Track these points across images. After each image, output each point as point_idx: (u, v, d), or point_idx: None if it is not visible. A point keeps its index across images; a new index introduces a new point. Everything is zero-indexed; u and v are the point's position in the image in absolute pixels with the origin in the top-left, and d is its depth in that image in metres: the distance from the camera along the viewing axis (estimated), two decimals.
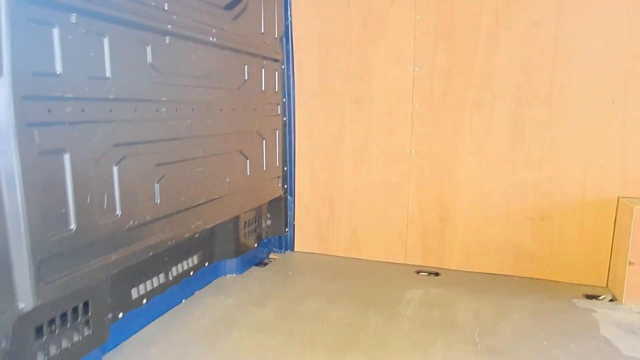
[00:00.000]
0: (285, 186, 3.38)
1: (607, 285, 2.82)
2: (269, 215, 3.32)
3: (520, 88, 2.83)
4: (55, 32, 1.49)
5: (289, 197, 3.43)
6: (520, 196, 2.93)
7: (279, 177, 3.26)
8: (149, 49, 1.91)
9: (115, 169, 1.75)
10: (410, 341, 2.13)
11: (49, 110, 1.46)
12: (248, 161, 2.78)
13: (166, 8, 1.98)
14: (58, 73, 1.50)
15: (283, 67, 3.19)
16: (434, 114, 3.02)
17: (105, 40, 1.69)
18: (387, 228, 3.24)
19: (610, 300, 2.63)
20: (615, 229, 2.77)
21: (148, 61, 1.91)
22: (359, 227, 3.31)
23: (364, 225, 3.29)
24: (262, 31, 2.88)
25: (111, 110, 1.72)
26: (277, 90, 3.13)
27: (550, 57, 2.75)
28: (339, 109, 3.21)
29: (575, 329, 2.26)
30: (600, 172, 2.77)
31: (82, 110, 1.59)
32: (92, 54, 1.64)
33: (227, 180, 2.53)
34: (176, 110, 2.09)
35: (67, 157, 1.53)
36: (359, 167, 3.24)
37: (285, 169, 3.36)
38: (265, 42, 2.92)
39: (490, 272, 3.03)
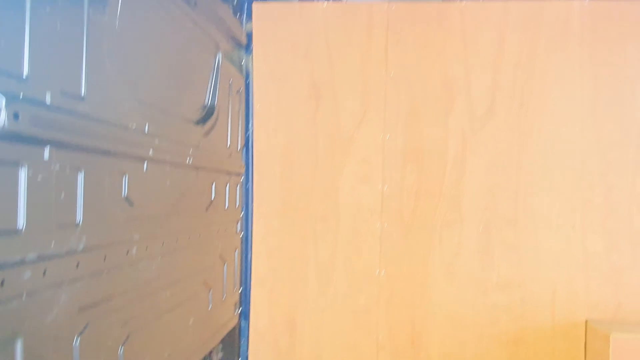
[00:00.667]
0: (239, 309, 2.99)
1: None
2: (220, 346, 2.87)
3: (488, 210, 2.87)
4: (22, 173, 1.13)
5: (242, 322, 3.02)
6: (493, 319, 2.85)
7: (235, 302, 2.88)
8: (125, 179, 1.58)
9: (76, 344, 1.32)
10: None
11: (1, 284, 1.05)
12: (211, 292, 2.40)
13: (147, 131, 1.69)
14: (19, 229, 1.12)
15: (242, 179, 2.96)
16: (403, 233, 2.93)
17: (80, 176, 1.34)
18: (355, 357, 2.94)
19: None
20: (587, 354, 2.76)
21: (123, 194, 1.57)
22: (323, 355, 2.97)
23: (329, 353, 2.97)
24: (228, 144, 2.66)
25: (78, 264, 1.33)
26: (237, 205, 2.86)
27: (514, 183, 2.84)
28: (302, 226, 2.99)
29: None
30: (568, 295, 2.80)
31: (44, 274, 1.19)
32: (63, 195, 1.28)
33: (191, 322, 2.12)
34: (147, 248, 1.72)
35: (19, 345, 1.10)
36: (324, 288, 2.98)
37: (240, 290, 2.99)
38: (230, 156, 2.69)
39: None
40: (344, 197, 2.98)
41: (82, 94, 1.33)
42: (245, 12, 2.99)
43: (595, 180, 2.78)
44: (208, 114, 2.32)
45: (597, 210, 2.79)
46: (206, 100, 2.32)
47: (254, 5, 3.00)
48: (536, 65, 2.79)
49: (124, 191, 1.58)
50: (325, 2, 2.95)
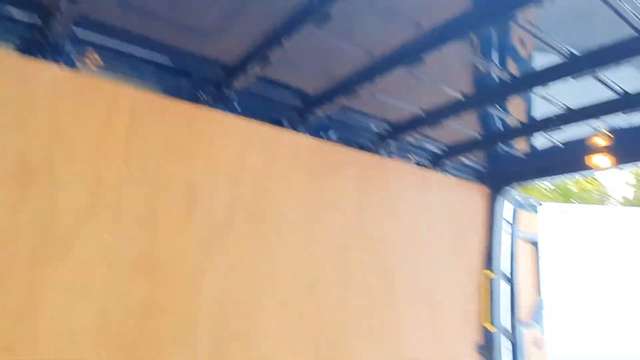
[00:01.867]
0: None
1: None
2: None
3: (220, 325, 2.71)
4: None
5: None
6: None
7: None
8: None
9: None
10: None
11: None
12: None
13: None
14: None
15: None
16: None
17: None
18: None
19: None
20: None
21: None
22: None
23: None
24: None
25: None
26: None
27: (246, 296, 2.83)
28: None
29: None
30: None
31: None
32: None
33: None
34: None
35: None
36: None
37: None
38: None
39: None
40: (47, 316, 2.20)
41: None
42: None
43: (306, 293, 3.10)
44: None
45: (307, 321, 3.08)
46: None
47: None
48: (271, 185, 3.03)
49: None
50: (57, 66, 2.38)
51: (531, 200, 4.73)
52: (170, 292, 2.55)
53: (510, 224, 4.28)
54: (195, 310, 2.62)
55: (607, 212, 8.06)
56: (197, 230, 2.69)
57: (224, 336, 2.71)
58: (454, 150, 3.94)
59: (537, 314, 4.43)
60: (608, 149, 3.39)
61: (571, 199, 12.20)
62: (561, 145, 3.64)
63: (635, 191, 13.83)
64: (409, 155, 3.95)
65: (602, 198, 13.47)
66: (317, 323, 3.12)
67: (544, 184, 12.91)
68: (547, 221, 4.87)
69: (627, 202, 12.89)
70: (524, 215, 4.40)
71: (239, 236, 2.84)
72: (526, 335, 4.10)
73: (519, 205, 4.37)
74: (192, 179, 2.72)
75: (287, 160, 3.15)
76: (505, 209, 4.25)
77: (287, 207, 3.09)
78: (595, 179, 13.90)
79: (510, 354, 4.04)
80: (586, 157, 3.48)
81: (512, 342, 4.05)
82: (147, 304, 2.47)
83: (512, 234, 4.26)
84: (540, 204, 4.77)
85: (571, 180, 13.38)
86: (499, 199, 4.17)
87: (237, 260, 2.83)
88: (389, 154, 3.81)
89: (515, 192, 4.34)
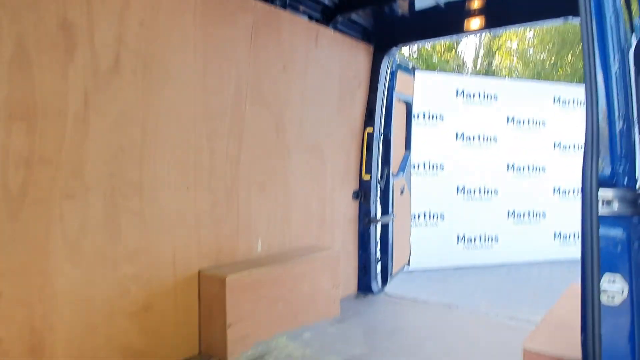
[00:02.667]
0: None
1: (199, 352, 3.09)
2: None
3: (114, 177, 2.63)
4: None
5: None
6: (123, 292, 2.69)
7: None
8: None
9: None
10: None
11: None
12: None
13: None
14: None
15: None
16: (11, 213, 2.22)
17: None
18: None
19: None
20: (200, 299, 3.10)
21: None
22: None
23: None
24: None
25: None
26: None
27: (139, 146, 2.74)
28: None
29: None
30: (185, 251, 3.02)
31: None
32: None
33: None
34: None
35: None
36: None
37: None
38: None
39: None
40: None
41: None
42: None
43: (203, 144, 3.10)
44: None
45: (204, 171, 3.13)
46: None
47: None
48: (160, 29, 2.76)
49: None
50: None
51: (409, 64, 5.06)
52: (53, 142, 2.35)
53: (390, 84, 4.59)
54: (83, 161, 2.48)
55: (462, 79, 9.07)
56: (78, 76, 2.42)
57: (119, 187, 2.65)
58: (344, 4, 3.92)
59: (403, 166, 5.05)
60: (483, 12, 3.69)
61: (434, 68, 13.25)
62: (442, 5, 3.84)
63: (482, 62, 15.46)
64: (301, 7, 3.85)
65: (458, 68, 14.88)
66: (214, 173, 3.19)
67: (411, 51, 13.73)
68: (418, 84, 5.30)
69: (478, 72, 14.49)
70: (401, 77, 4.73)
71: (127, 83, 2.63)
72: (394, 183, 4.70)
73: (398, 67, 4.65)
74: (68, 16, 2.35)
75: (177, 2, 2.86)
76: (387, 69, 4.51)
77: (180, 55, 2.90)
78: (454, 50, 15.16)
79: (380, 199, 4.65)
80: (465, 20, 3.76)
81: (381, 189, 4.63)
82: (27, 154, 2.26)
83: (391, 94, 4.60)
84: (416, 68, 5.15)
85: (437, 47, 14.44)
86: (384, 58, 4.38)
87: (127, 110, 2.66)
88: (283, 5, 3.66)
89: (396, 54, 4.58)
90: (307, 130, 3.90)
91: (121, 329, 2.66)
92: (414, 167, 8.11)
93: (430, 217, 8.54)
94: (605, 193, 1.41)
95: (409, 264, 5.23)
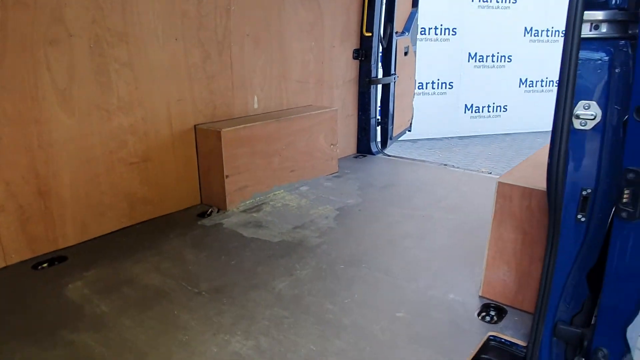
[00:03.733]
0: None
1: (201, 202, 3.28)
2: None
3: (97, 23, 2.54)
4: None
5: None
6: (121, 143, 2.77)
7: None
8: None
9: None
10: None
11: None
12: None
13: None
14: None
15: None
16: None
17: None
18: None
19: (218, 211, 3.13)
20: (199, 153, 3.20)
21: None
22: None
23: None
24: None
25: None
26: None
27: None
28: None
29: (214, 240, 2.67)
30: (180, 106, 3.04)
31: None
32: None
33: None
34: None
35: None
36: None
37: None
38: None
39: (111, 230, 2.79)
40: None
41: None
42: None
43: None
44: None
45: (192, 20, 3.00)
46: None
47: None
48: None
49: None
50: None
51: None
52: None
53: None
54: (61, 4, 2.37)
55: None
56: None
57: (104, 35, 2.57)
58: None
59: (409, 25, 4.78)
60: None
61: None
62: None
63: None
64: None
65: None
66: (204, 24, 3.06)
67: None
68: None
69: None
70: None
71: None
72: (398, 42, 4.49)
73: None
74: None
75: None
76: None
77: None
78: None
79: (382, 59, 4.49)
80: None
81: (383, 48, 4.45)
82: None
83: None
84: None
85: None
86: None
87: None
88: None
89: None
90: None
91: (123, 178, 2.80)
92: (423, 31, 7.70)
93: (438, 85, 8.33)
94: (592, 14, 1.32)
95: (410, 129, 5.24)
